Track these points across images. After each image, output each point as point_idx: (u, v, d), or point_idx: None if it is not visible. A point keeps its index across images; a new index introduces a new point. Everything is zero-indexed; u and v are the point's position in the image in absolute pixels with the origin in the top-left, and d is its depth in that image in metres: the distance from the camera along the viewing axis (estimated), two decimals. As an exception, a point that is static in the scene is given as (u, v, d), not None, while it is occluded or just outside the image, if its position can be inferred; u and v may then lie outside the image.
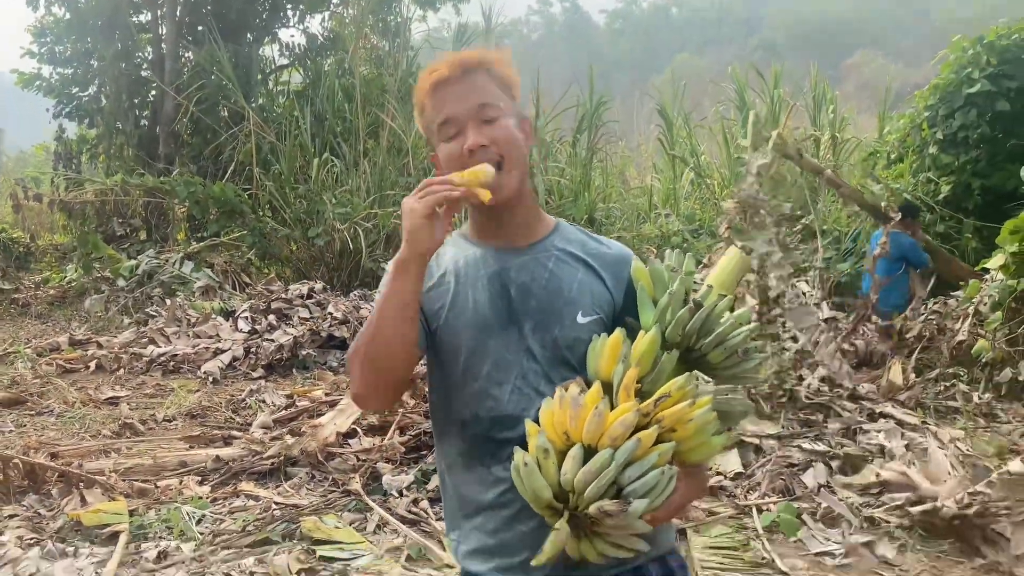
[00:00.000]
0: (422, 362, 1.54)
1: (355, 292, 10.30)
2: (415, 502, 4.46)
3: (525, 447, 1.32)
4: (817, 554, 3.94)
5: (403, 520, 4.21)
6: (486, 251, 1.53)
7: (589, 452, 1.26)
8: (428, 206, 1.34)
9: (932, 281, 8.44)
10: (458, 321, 1.48)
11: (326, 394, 6.32)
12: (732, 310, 1.41)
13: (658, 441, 1.28)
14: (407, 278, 1.36)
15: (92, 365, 7.57)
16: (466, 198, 1.38)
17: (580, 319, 1.46)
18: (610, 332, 1.42)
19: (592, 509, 1.23)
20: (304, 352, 8.00)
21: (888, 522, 4.17)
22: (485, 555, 1.49)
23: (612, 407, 1.30)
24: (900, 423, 5.53)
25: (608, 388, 1.33)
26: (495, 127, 1.45)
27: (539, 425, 1.32)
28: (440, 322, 1.50)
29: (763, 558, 3.83)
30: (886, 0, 70.25)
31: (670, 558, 1.52)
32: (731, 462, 4.87)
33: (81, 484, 4.42)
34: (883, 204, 9.51)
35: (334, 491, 4.62)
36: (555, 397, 1.31)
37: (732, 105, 15.71)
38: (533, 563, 1.30)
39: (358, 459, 4.98)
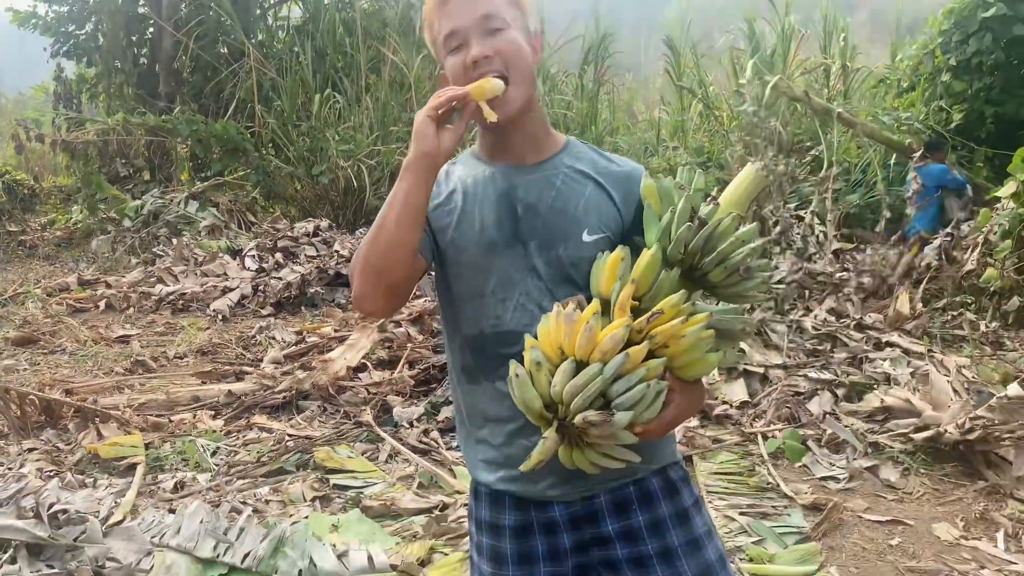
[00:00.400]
0: (429, 300, 1.55)
1: (361, 230, 10.30)
2: (425, 432, 4.53)
3: (523, 361, 1.34)
4: (822, 478, 4.00)
5: (414, 450, 4.29)
6: (495, 169, 1.53)
7: (581, 366, 1.28)
8: (431, 107, 1.35)
9: (970, 202, 8.43)
10: (464, 239, 1.49)
11: (335, 330, 6.37)
12: (738, 228, 1.39)
13: (650, 357, 1.29)
14: (410, 180, 1.36)
15: (102, 304, 7.62)
16: (471, 107, 1.37)
17: (586, 237, 1.45)
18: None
19: (577, 419, 1.25)
20: (312, 290, 8.04)
21: (892, 447, 4.23)
22: (493, 465, 1.53)
23: (609, 324, 1.31)
24: (906, 352, 5.57)
25: (607, 305, 1.34)
26: (500, 38, 1.43)
27: (535, 340, 1.33)
28: (447, 239, 1.51)
29: (768, 483, 3.90)
30: (901, -77, 67.99)
31: (671, 470, 1.54)
32: (737, 391, 4.92)
33: (97, 419, 4.50)
34: (908, 141, 9.47)
35: (346, 423, 4.69)
36: (552, 313, 1.32)
37: (742, 34, 15.38)
38: (521, 468, 1.33)
39: (368, 392, 5.05)
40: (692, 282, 1.38)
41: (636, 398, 1.26)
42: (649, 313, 1.29)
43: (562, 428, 1.29)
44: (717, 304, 1.43)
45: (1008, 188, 6.85)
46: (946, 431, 4.04)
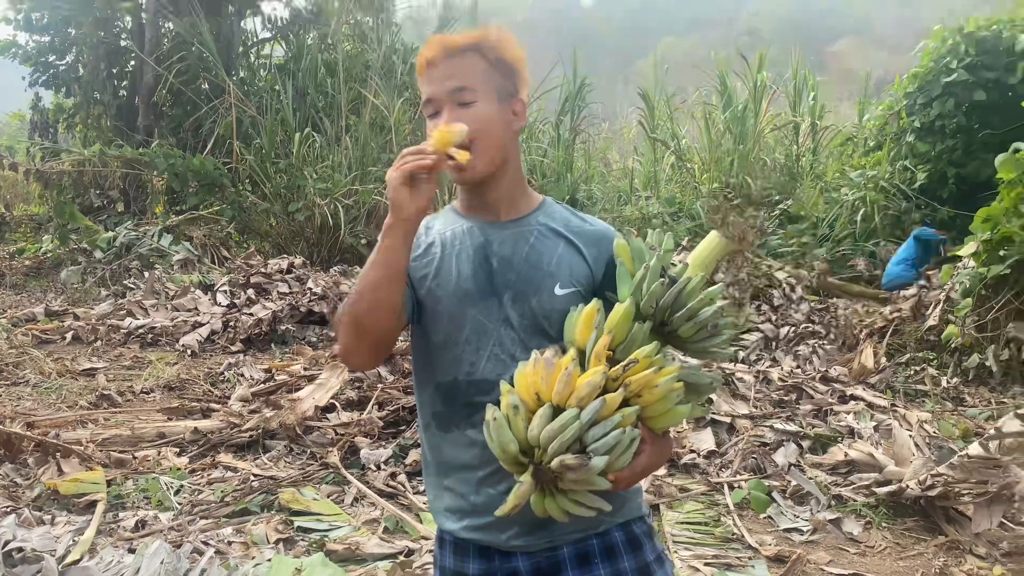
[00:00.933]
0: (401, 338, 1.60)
1: (335, 268, 10.30)
2: (393, 476, 4.51)
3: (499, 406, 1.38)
4: (786, 530, 4.04)
5: (380, 493, 4.26)
6: (472, 224, 1.59)
7: (558, 411, 1.32)
8: (403, 174, 1.42)
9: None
10: (441, 290, 1.55)
11: (305, 368, 6.34)
12: (706, 288, 1.46)
13: (624, 405, 1.34)
14: (392, 242, 1.44)
15: (68, 336, 7.53)
16: (438, 166, 1.44)
17: (558, 291, 1.52)
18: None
19: (554, 463, 1.28)
20: (283, 327, 8.00)
21: (855, 500, 4.28)
22: (458, 514, 1.56)
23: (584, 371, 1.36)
24: (870, 405, 5.66)
25: (583, 355, 1.39)
26: (468, 111, 1.51)
27: (512, 386, 1.38)
28: (425, 289, 1.57)
29: (733, 533, 3.92)
30: (870, -14, 70.42)
31: (635, 524, 1.57)
32: (704, 440, 4.96)
33: (58, 454, 4.42)
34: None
35: (312, 464, 4.65)
36: (530, 360, 1.37)
37: (714, 89, 15.75)
38: (497, 513, 1.36)
39: (336, 433, 5.02)
40: (662, 337, 1.44)
41: (612, 443, 1.30)
42: (625, 362, 1.34)
43: (537, 472, 1.32)
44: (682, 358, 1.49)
45: (969, 248, 7.05)
46: (908, 486, 4.10)
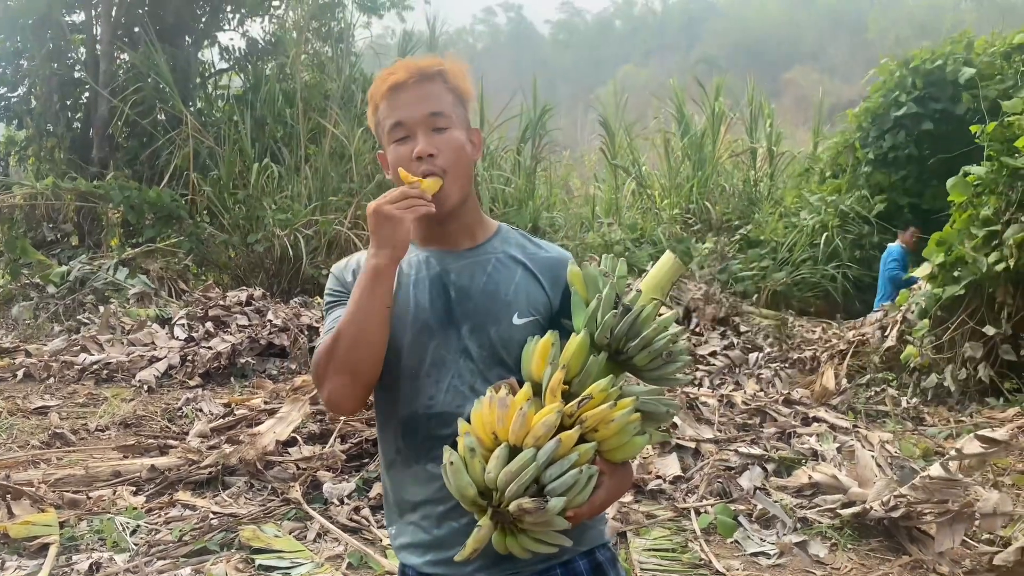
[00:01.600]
0: None
1: (295, 299, 10.18)
2: (356, 510, 4.42)
3: (456, 446, 1.36)
4: (753, 554, 4.04)
5: (344, 528, 4.18)
6: (429, 254, 1.58)
7: (514, 451, 1.31)
8: (415, 216, 1.42)
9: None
10: (399, 322, 1.52)
11: (265, 402, 6.23)
12: (660, 314, 1.45)
13: (581, 441, 1.33)
14: (387, 282, 1.43)
15: (20, 374, 7.31)
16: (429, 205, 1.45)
17: (516, 320, 1.50)
18: (547, 332, 1.46)
19: (512, 507, 1.27)
20: (243, 360, 7.87)
21: (820, 522, 4.30)
22: (420, 549, 1.53)
23: (541, 408, 1.34)
24: (832, 427, 5.71)
25: (538, 389, 1.38)
26: (444, 137, 1.50)
27: (469, 425, 1.36)
28: None
29: (701, 559, 3.91)
30: (822, 15, 72.40)
31: (599, 552, 1.56)
32: (670, 466, 4.96)
33: (8, 495, 4.27)
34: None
35: (273, 500, 4.55)
36: (485, 397, 1.36)
37: (672, 117, 16.02)
38: (456, 558, 1.34)
39: (298, 467, 4.92)
40: (618, 365, 1.43)
41: (569, 483, 1.28)
42: (579, 398, 1.33)
43: (496, 515, 1.30)
44: (640, 386, 1.48)
45: (924, 270, 7.21)
46: (871, 507, 4.13)
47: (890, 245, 9.29)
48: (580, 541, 1.49)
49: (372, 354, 1.45)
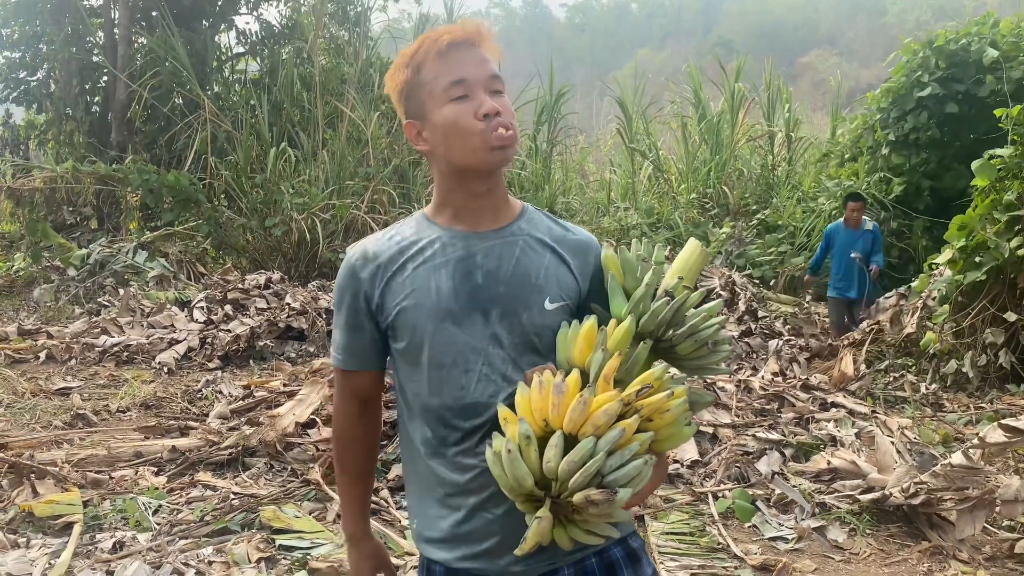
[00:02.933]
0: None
1: (313, 283, 10.23)
2: (375, 491, 4.45)
3: (490, 434, 1.32)
4: (770, 539, 4.04)
5: (363, 509, 4.20)
6: (452, 234, 1.48)
7: (569, 440, 1.26)
8: None
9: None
10: (419, 310, 1.44)
11: (284, 384, 6.26)
12: (704, 302, 1.44)
13: (638, 430, 1.29)
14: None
15: (42, 355, 7.40)
16: None
17: (548, 305, 1.44)
18: (575, 317, 1.44)
19: (577, 498, 1.22)
20: (261, 343, 7.92)
21: (839, 507, 4.29)
22: (450, 543, 1.47)
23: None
24: (851, 412, 5.68)
25: (583, 376, 1.33)
26: (503, 100, 1.43)
27: (514, 411, 1.31)
28: (397, 312, 1.47)
29: (719, 543, 3.91)
30: (841, -1, 71.55)
31: (631, 539, 1.54)
32: (688, 450, 4.95)
33: (32, 475, 4.32)
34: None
35: (293, 481, 4.59)
36: (532, 383, 1.30)
37: (688, 102, 15.91)
38: (516, 552, 1.28)
39: (317, 449, 4.95)
40: (657, 353, 1.40)
41: (632, 474, 1.25)
42: (638, 387, 1.29)
43: (555, 507, 1.26)
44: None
45: (945, 255, 7.13)
46: (891, 494, 4.12)
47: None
48: (613, 530, 1.49)
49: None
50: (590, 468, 1.22)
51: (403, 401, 1.53)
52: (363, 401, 1.61)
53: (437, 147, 1.45)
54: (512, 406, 1.32)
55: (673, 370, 1.44)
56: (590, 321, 1.37)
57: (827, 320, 8.84)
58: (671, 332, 1.38)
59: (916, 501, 4.02)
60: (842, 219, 8.30)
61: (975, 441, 4.08)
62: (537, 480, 1.26)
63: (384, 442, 5.06)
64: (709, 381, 6.06)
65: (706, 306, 1.40)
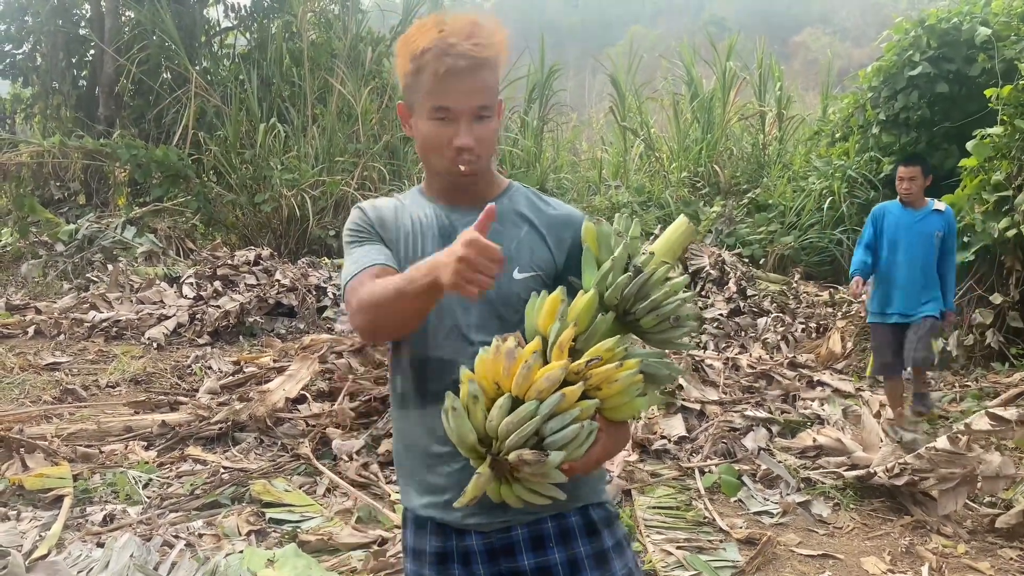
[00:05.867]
0: None
1: (303, 259, 10.20)
2: (365, 466, 4.48)
3: (457, 392, 1.38)
4: (756, 513, 4.09)
5: (353, 484, 4.24)
6: (437, 208, 1.61)
7: (517, 403, 1.33)
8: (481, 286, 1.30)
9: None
10: (406, 267, 1.54)
11: (274, 360, 6.28)
12: (670, 278, 1.45)
13: (584, 397, 1.34)
14: (435, 299, 1.40)
15: (31, 331, 7.38)
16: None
17: (516, 275, 1.52)
18: (550, 288, 1.47)
19: (512, 456, 1.29)
20: (251, 319, 7.92)
21: (823, 483, 4.34)
22: (417, 492, 1.57)
23: (546, 363, 1.35)
24: (836, 390, 5.74)
25: (545, 344, 1.39)
26: (485, 127, 1.52)
27: (472, 373, 1.37)
28: (399, 266, 1.57)
29: (704, 517, 3.96)
30: (834, -22, 71.14)
31: (593, 509, 1.56)
32: (675, 426, 5.00)
33: (22, 449, 4.33)
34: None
35: (283, 456, 4.61)
36: (491, 347, 1.37)
37: (681, 79, 15.85)
38: (455, 504, 1.37)
39: (307, 424, 4.98)
40: (624, 326, 1.43)
41: (569, 438, 1.30)
42: (587, 359, 1.34)
43: (495, 463, 1.32)
44: (645, 348, 1.48)
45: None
46: (875, 473, 4.17)
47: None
48: (574, 496, 1.51)
49: (402, 328, 1.49)
50: (526, 429, 1.29)
51: (391, 361, 1.65)
52: None
53: (416, 142, 1.59)
54: (474, 368, 1.39)
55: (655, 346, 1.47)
56: (555, 292, 1.41)
57: (816, 299, 8.82)
58: (636, 306, 1.40)
59: (899, 482, 4.07)
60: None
61: (960, 427, 4.13)
62: (481, 437, 1.33)
63: (374, 417, 5.09)
64: (698, 359, 6.11)
65: (671, 282, 1.42)
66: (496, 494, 1.35)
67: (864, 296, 5.41)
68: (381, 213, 1.63)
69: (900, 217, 5.19)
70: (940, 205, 5.31)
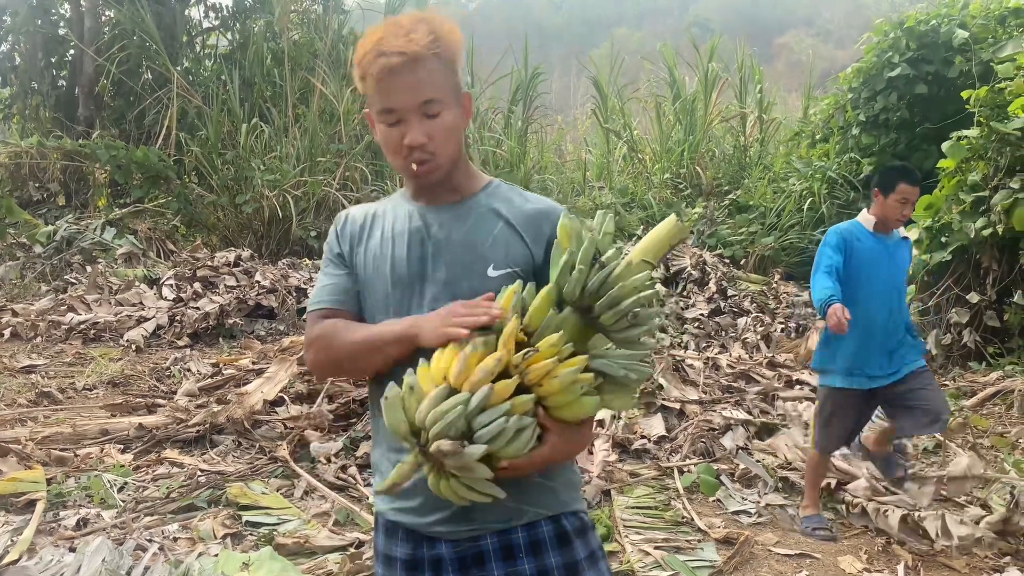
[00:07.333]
0: None
1: (284, 260, 10.15)
2: (343, 468, 4.46)
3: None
4: (734, 512, 4.10)
5: (331, 486, 4.22)
6: (414, 208, 1.59)
7: (453, 393, 1.30)
8: (463, 329, 1.35)
9: None
10: (379, 274, 1.55)
11: (253, 363, 6.24)
12: (664, 284, 1.42)
13: (524, 392, 1.31)
14: (408, 350, 1.44)
15: (7, 333, 7.30)
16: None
17: (491, 272, 1.49)
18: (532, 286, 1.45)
19: (433, 447, 1.27)
20: (231, 321, 7.87)
21: (801, 483, 4.35)
22: (388, 497, 1.55)
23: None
24: (815, 389, 5.75)
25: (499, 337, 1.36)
26: (436, 122, 1.49)
27: (428, 365, 1.35)
28: (366, 277, 1.58)
29: (683, 517, 3.97)
30: (817, -20, 71.50)
31: (566, 519, 1.52)
32: (654, 426, 5.01)
33: (-5, 452, 4.29)
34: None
35: (261, 458, 4.59)
36: (460, 344, 1.34)
37: (664, 82, 15.90)
38: (376, 488, 1.37)
39: (285, 427, 4.95)
40: (590, 324, 1.39)
41: (495, 432, 1.26)
42: (525, 350, 1.31)
43: (424, 454, 1.30)
44: (612, 349, 1.43)
45: (911, 234, 7.22)
46: (855, 496, 4.15)
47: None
48: (545, 505, 1.49)
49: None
50: (449, 418, 1.26)
51: None
52: None
53: (381, 146, 1.58)
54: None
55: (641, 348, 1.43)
56: (513, 285, 1.39)
57: (796, 299, 8.84)
58: (596, 302, 1.36)
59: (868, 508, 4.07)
60: (865, 212, 4.06)
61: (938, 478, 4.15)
62: (412, 428, 1.31)
63: (353, 420, 5.06)
64: (678, 359, 6.12)
65: (633, 277, 1.37)
66: (436, 488, 1.32)
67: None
68: (352, 228, 1.63)
69: (873, 246, 3.91)
70: (907, 231, 4.30)
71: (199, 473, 4.30)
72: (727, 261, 10.14)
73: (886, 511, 3.87)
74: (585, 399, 1.34)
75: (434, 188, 1.57)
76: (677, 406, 5.28)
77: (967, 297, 6.87)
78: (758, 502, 4.20)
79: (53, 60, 14.67)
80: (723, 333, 7.48)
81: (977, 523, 3.78)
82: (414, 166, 1.50)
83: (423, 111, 1.47)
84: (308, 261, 10.25)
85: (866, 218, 3.98)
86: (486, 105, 15.09)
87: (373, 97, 1.51)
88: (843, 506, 4.14)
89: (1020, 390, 5.85)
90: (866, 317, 3.76)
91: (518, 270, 1.50)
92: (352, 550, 3.46)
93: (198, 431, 4.85)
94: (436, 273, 1.51)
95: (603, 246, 1.41)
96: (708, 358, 6.32)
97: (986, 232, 6.54)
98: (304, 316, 1.59)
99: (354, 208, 1.70)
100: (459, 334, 1.33)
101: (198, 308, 7.84)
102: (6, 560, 3.15)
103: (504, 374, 1.30)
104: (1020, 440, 5.25)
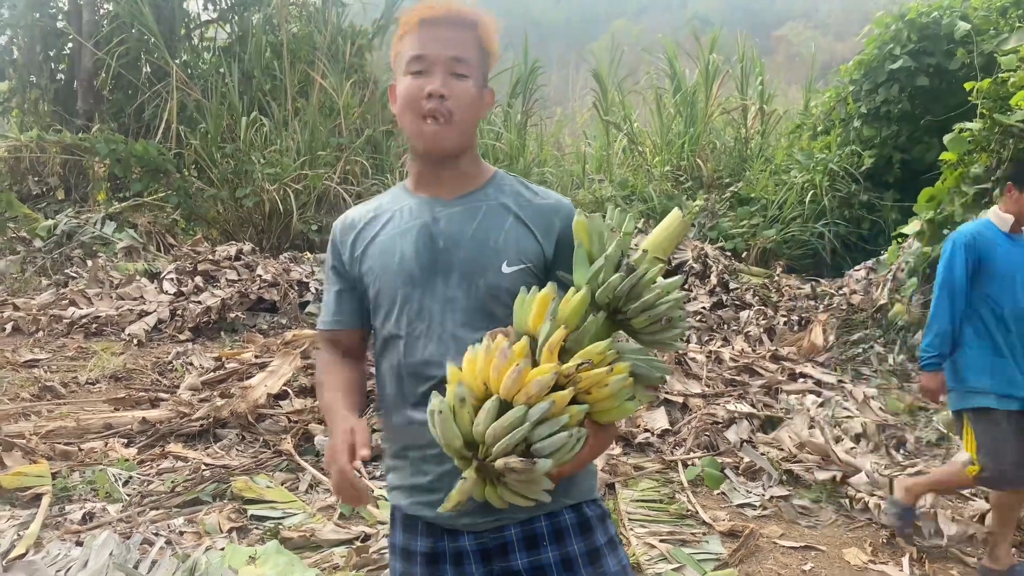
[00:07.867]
0: None
1: (285, 254, 10.14)
2: (348, 461, 4.45)
3: (443, 392, 1.34)
4: (739, 505, 4.10)
5: (335, 479, 4.21)
6: (419, 202, 1.56)
7: (505, 406, 1.29)
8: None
9: None
10: (387, 272, 1.53)
11: (256, 356, 6.23)
12: (664, 277, 1.43)
13: (573, 402, 1.31)
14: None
15: (8, 327, 7.29)
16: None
17: (505, 268, 1.48)
18: (541, 281, 1.44)
19: (499, 464, 1.25)
20: (232, 315, 7.86)
21: (805, 476, 4.36)
22: (405, 491, 1.55)
23: (536, 363, 1.32)
24: (818, 382, 5.76)
25: (534, 343, 1.35)
26: (460, 83, 1.48)
27: (460, 371, 1.33)
28: (372, 273, 1.56)
29: (687, 510, 3.97)
30: (817, -28, 71.27)
31: (587, 507, 1.55)
32: (658, 420, 5.01)
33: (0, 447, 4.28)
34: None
35: (265, 452, 4.59)
36: (481, 345, 1.33)
37: (664, 74, 15.87)
38: (439, 509, 1.33)
39: (289, 420, 4.95)
40: (614, 324, 1.40)
41: (558, 445, 1.26)
42: (577, 362, 1.30)
43: (481, 469, 1.29)
44: (631, 344, 1.45)
45: (913, 226, 7.22)
46: (861, 494, 4.15)
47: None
48: (567, 494, 1.50)
49: None
50: (514, 436, 1.25)
51: (376, 361, 1.62)
52: (344, 350, 1.67)
53: (397, 115, 1.55)
54: (462, 366, 1.36)
55: (634, 343, 1.44)
56: (546, 289, 1.38)
57: (798, 292, 8.82)
58: (628, 305, 1.37)
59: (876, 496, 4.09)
60: (997, 210, 3.49)
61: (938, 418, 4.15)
62: (468, 442, 1.29)
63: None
64: (681, 353, 6.12)
65: (664, 282, 1.39)
66: (480, 494, 1.32)
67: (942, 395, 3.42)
68: (351, 232, 1.61)
69: (1011, 249, 3.39)
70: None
71: (204, 467, 4.30)
72: (729, 254, 10.13)
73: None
74: (627, 403, 1.36)
75: (440, 171, 1.55)
76: (680, 400, 5.28)
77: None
78: (763, 495, 4.20)
79: (52, 54, 14.63)
80: (725, 326, 7.48)
81: (980, 517, 3.80)
82: (429, 121, 1.47)
83: (451, 68, 1.48)
84: (309, 255, 10.24)
85: (999, 217, 3.43)
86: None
87: (405, 51, 1.51)
88: (847, 500, 4.15)
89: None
90: (1018, 325, 3.32)
91: (531, 266, 1.50)
92: (358, 543, 3.46)
93: (202, 425, 4.84)
94: (449, 270, 1.50)
95: (625, 246, 1.42)
96: (711, 351, 6.32)
97: (988, 225, 6.52)
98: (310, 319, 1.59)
99: (351, 211, 1.67)
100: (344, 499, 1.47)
101: (199, 302, 7.83)
102: (13, 554, 3.15)
103: (554, 387, 1.30)
104: None
